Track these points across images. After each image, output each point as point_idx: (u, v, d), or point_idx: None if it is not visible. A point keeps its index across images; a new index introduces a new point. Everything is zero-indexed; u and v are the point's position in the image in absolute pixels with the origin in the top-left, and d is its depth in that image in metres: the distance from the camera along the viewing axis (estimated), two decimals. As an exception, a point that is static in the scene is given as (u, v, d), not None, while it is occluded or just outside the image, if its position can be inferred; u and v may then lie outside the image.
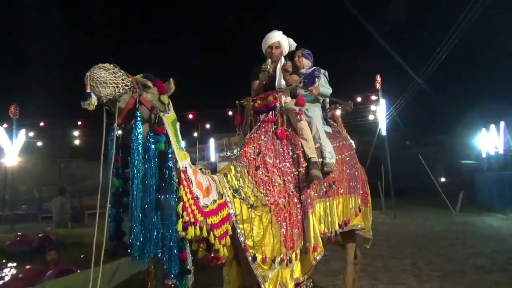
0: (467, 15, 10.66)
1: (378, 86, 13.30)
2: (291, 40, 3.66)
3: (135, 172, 2.06)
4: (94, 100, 1.95)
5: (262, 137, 3.12)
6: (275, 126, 3.23)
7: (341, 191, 3.56)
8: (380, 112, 13.78)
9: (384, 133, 13.63)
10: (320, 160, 3.26)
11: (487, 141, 13.86)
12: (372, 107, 14.08)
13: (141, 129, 2.12)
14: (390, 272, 5.89)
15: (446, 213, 12.89)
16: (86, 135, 19.03)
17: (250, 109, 3.40)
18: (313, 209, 3.13)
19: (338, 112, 4.27)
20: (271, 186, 2.95)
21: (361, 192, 3.92)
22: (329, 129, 3.77)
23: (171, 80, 2.40)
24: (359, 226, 3.80)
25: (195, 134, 19.64)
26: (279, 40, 3.47)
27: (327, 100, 3.98)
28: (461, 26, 11.04)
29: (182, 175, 2.31)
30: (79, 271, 4.87)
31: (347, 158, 3.80)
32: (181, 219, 2.25)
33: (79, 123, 18.11)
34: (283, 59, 3.49)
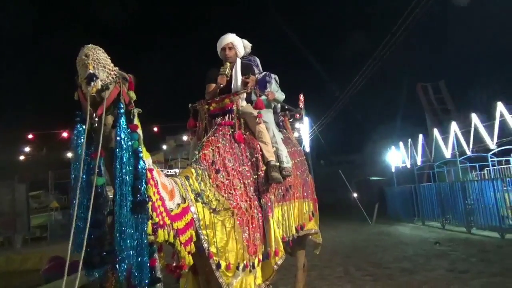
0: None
1: (301, 104, 13.93)
2: (245, 42, 3.64)
3: (123, 171, 1.85)
4: (99, 83, 1.69)
5: (220, 140, 3.02)
6: (232, 130, 3.16)
7: (297, 195, 3.58)
8: (303, 130, 14.44)
9: (307, 149, 14.28)
10: (277, 164, 3.25)
11: (396, 157, 15.25)
12: (296, 125, 14.68)
13: (125, 124, 1.90)
14: (327, 280, 6.08)
15: (363, 224, 13.95)
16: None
17: (204, 113, 3.29)
18: (273, 213, 3.09)
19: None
20: (232, 189, 2.86)
21: (311, 197, 3.98)
22: (281, 135, 3.79)
23: (131, 76, 2.22)
24: (313, 230, 3.85)
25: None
26: (232, 41, 3.43)
27: (278, 105, 4.02)
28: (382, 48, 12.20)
29: (149, 174, 2.13)
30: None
31: (299, 164, 3.85)
32: (150, 221, 2.05)
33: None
34: (238, 60, 3.44)
